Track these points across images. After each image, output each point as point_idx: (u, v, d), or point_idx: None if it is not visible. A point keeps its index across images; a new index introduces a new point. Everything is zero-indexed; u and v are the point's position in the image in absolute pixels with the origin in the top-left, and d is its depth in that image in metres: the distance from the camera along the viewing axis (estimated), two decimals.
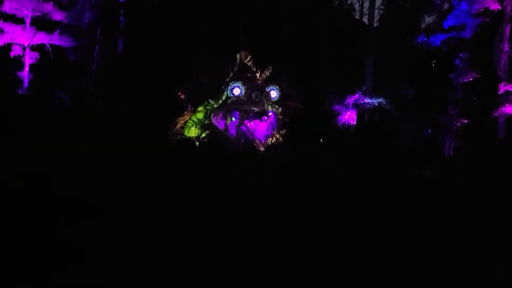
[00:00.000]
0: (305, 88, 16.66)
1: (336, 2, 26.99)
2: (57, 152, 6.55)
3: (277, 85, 13.31)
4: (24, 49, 14.38)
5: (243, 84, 12.82)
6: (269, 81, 13.34)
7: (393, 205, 5.13)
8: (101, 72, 17.62)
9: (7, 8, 13.86)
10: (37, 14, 14.30)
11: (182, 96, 13.37)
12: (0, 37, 13.97)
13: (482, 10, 15.41)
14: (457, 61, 16.72)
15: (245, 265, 3.92)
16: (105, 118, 14.64)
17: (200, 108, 13.15)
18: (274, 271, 3.89)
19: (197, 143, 12.22)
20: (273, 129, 13.36)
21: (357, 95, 19.93)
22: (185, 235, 4.20)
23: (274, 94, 13.19)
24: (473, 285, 3.94)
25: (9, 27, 14.02)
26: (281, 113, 13.52)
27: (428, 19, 25.73)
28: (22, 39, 14.29)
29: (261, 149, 12.18)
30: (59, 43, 14.92)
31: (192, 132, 13.03)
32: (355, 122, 19.97)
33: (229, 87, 12.77)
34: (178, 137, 12.72)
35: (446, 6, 21.84)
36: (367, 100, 20.09)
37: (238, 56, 13.41)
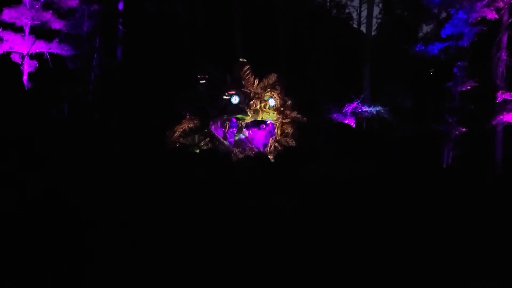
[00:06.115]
0: (303, 97, 16.66)
1: (334, 11, 27.17)
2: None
3: (275, 93, 13.32)
4: (23, 57, 14.35)
5: (242, 93, 12.83)
6: (267, 89, 13.33)
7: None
8: (100, 80, 17.60)
9: (6, 16, 13.85)
10: (36, 22, 14.29)
11: (180, 105, 13.35)
12: None
13: (479, 19, 15.45)
14: (455, 70, 16.75)
15: None
16: (103, 127, 14.61)
17: (198, 117, 13.12)
18: None
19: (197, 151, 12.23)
20: (271, 137, 13.34)
21: (355, 104, 19.96)
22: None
23: (272, 102, 13.19)
24: None
25: (8, 36, 13.99)
26: (281, 122, 13.49)
27: (426, 28, 25.96)
28: (21, 48, 14.26)
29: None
30: (58, 51, 14.90)
31: (195, 139, 13.00)
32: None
33: (227, 96, 12.78)
34: (177, 145, 12.70)
35: (444, 15, 22.00)
36: (365, 109, 20.12)
37: (236, 64, 13.42)
